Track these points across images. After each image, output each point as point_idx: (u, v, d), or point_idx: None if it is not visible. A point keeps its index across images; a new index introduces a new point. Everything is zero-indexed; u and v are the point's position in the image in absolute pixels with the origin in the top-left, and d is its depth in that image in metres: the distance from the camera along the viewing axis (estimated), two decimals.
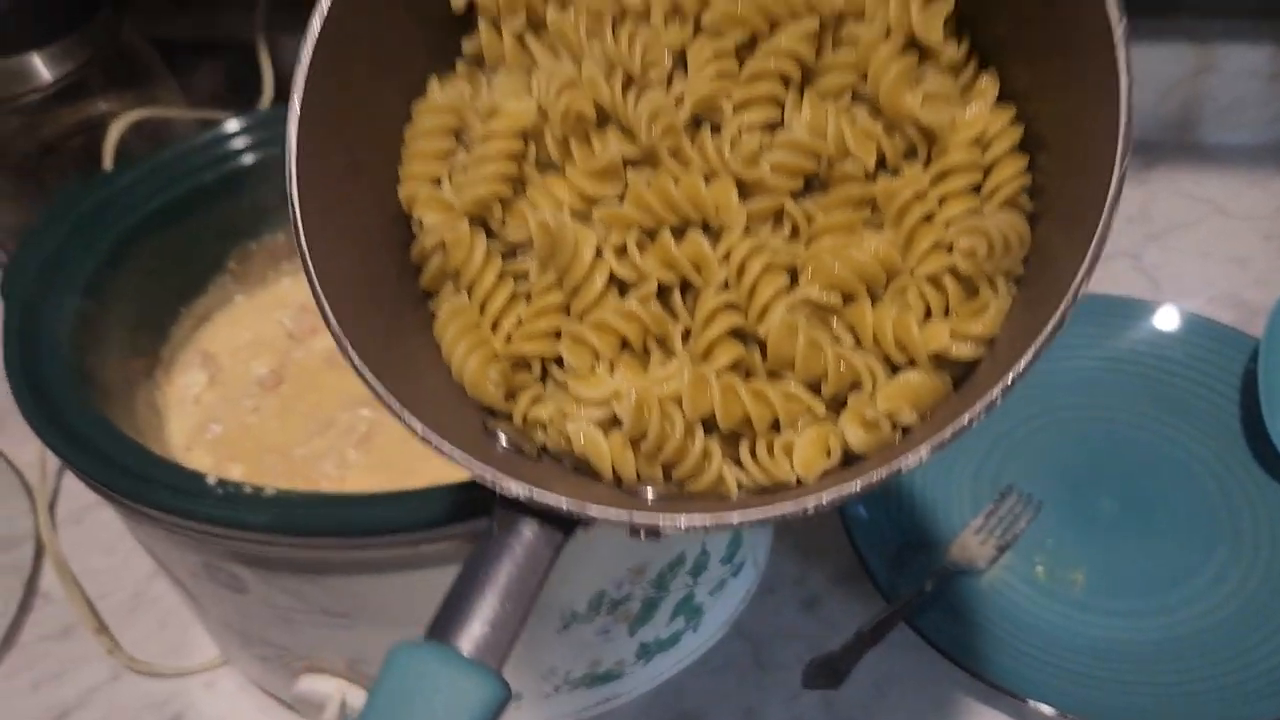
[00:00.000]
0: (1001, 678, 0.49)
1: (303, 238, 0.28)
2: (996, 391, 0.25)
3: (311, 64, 0.28)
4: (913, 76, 0.28)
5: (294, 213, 0.28)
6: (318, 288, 0.28)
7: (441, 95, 0.32)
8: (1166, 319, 0.62)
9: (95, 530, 0.65)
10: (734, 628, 0.53)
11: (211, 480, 0.41)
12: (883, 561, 0.54)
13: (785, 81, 0.29)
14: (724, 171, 0.29)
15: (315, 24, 0.28)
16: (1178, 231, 0.71)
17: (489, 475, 0.27)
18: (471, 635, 0.26)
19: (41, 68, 0.67)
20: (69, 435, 0.43)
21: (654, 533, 0.27)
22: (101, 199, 0.53)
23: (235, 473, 0.51)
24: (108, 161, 0.66)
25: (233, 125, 0.56)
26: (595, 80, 0.29)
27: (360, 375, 0.28)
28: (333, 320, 0.28)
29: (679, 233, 0.29)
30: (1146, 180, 0.74)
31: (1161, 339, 0.62)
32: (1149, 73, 0.73)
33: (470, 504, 0.37)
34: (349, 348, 0.27)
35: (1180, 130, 0.75)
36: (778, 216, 0.29)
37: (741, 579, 0.52)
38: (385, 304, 0.30)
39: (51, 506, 0.66)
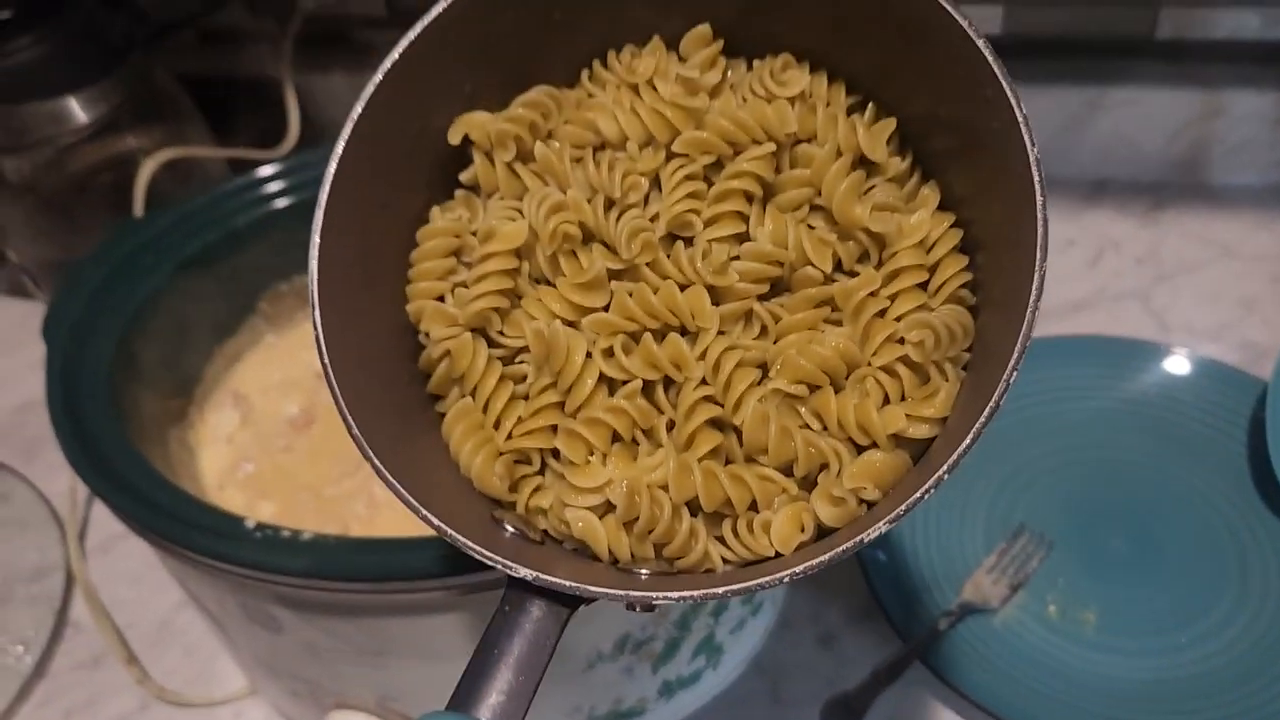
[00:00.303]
0: (1015, 716, 0.50)
1: (325, 352, 0.31)
2: (944, 470, 0.27)
3: (328, 203, 0.32)
4: (861, 189, 0.32)
5: (317, 331, 0.31)
6: (339, 395, 0.30)
7: (443, 220, 0.35)
8: (1175, 362, 0.63)
9: (123, 560, 0.66)
10: (752, 664, 0.54)
11: (250, 524, 0.43)
12: (897, 600, 0.55)
13: (749, 198, 0.32)
14: (697, 280, 0.32)
15: (331, 168, 0.32)
16: (1186, 273, 0.72)
17: (498, 562, 0.29)
18: (490, 705, 0.28)
19: (78, 110, 0.69)
20: (111, 477, 0.45)
21: (649, 607, 0.29)
22: (138, 244, 0.55)
23: (267, 511, 0.52)
24: (139, 198, 0.68)
25: (264, 170, 0.58)
26: (580, 203, 0.32)
27: (380, 475, 0.30)
28: (354, 426, 0.30)
29: (660, 335, 0.32)
30: (1156, 222, 0.75)
31: (1170, 381, 0.63)
32: (1158, 116, 0.74)
33: None
34: (371, 453, 0.30)
35: (1188, 172, 0.76)
36: (748, 316, 0.32)
37: (760, 618, 0.53)
38: (398, 408, 0.33)
39: (81, 537, 0.68)
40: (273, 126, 0.76)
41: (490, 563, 0.29)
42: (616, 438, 0.32)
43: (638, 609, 0.29)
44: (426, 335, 0.34)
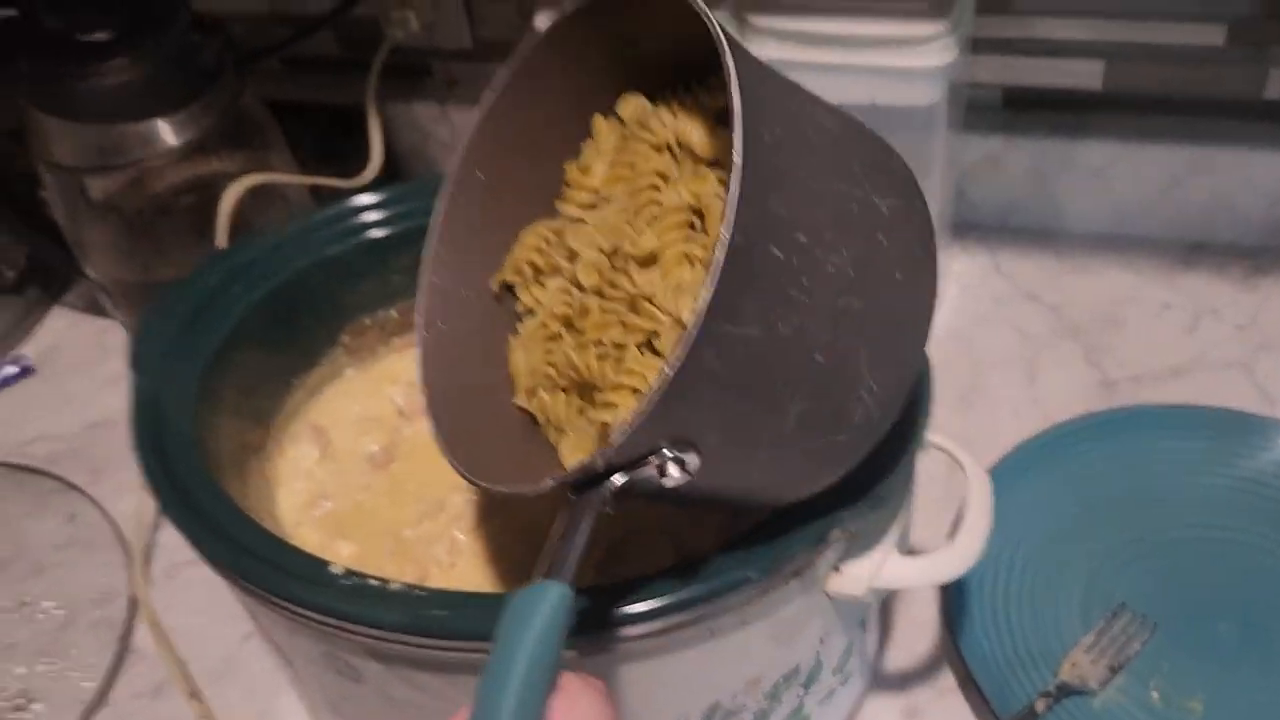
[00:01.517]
0: None
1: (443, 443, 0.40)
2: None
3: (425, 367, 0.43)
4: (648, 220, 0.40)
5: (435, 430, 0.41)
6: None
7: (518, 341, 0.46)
8: None
9: (188, 588, 0.66)
10: None
11: (336, 569, 0.41)
12: (992, 677, 0.53)
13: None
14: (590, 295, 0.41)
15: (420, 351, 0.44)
16: None
17: (521, 488, 0.36)
18: (552, 569, 0.34)
19: (167, 132, 0.69)
20: (200, 519, 0.44)
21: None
22: (228, 272, 0.54)
23: (344, 551, 0.51)
24: (222, 223, 0.67)
25: (355, 201, 0.57)
26: (567, 289, 0.43)
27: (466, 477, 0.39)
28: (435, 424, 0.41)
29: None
30: (1256, 287, 0.72)
31: None
32: (1261, 179, 0.72)
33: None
34: (439, 432, 0.41)
35: None
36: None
37: (849, 688, 0.51)
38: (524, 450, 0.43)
39: (146, 561, 0.67)
40: (355, 155, 0.76)
41: (514, 490, 0.36)
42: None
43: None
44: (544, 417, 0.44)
